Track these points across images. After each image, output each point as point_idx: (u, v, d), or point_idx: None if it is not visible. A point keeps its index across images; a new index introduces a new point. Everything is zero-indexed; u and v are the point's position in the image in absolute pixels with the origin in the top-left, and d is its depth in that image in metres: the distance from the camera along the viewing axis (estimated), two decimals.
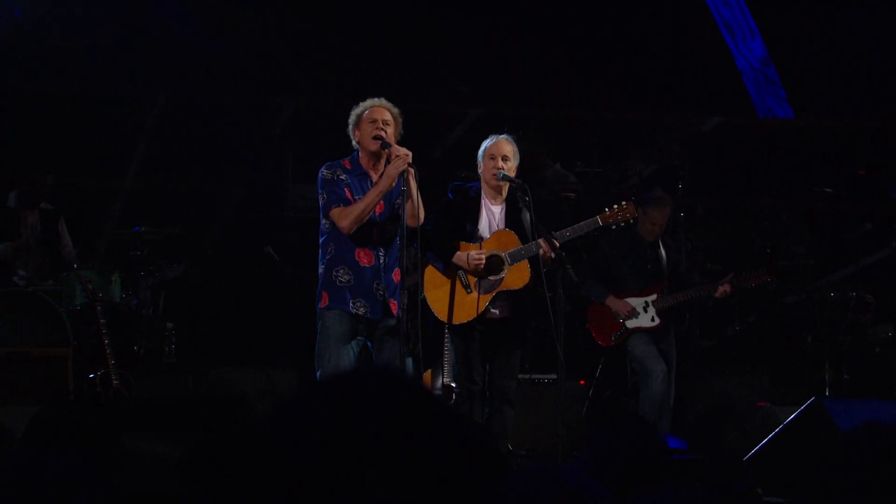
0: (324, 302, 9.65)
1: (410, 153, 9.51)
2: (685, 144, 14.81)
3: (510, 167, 10.17)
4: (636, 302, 12.08)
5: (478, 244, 10.11)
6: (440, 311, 10.13)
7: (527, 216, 10.11)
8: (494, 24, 17.09)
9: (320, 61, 15.53)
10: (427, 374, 11.74)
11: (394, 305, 9.63)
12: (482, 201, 10.23)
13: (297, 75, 15.19)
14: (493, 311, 10.18)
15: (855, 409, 9.60)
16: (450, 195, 10.27)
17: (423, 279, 10.15)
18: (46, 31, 16.26)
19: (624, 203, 10.52)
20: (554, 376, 13.37)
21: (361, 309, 9.59)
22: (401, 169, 9.39)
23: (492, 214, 10.23)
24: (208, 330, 14.10)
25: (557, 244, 10.01)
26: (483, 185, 10.25)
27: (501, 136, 10.35)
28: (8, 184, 13.40)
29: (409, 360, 9.78)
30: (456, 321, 10.13)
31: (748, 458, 9.67)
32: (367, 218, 9.52)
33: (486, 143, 10.30)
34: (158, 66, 15.61)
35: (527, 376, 13.09)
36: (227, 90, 15.25)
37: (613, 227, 10.57)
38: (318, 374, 9.62)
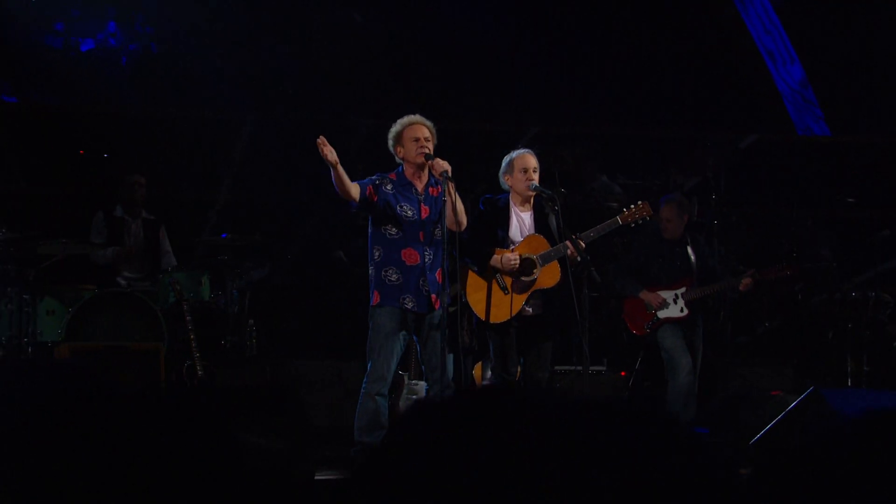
0: (375, 300, 9.70)
1: (450, 166, 9.53)
2: (719, 159, 14.70)
3: (537, 177, 10.15)
4: (666, 294, 12.04)
5: (510, 249, 10.08)
6: (481, 312, 10.09)
7: (553, 220, 10.08)
8: (549, 49, 17.09)
9: (389, 86, 15.55)
10: (478, 367, 11.73)
11: (436, 301, 9.65)
12: (511, 210, 10.19)
13: (371, 99, 15.21)
14: (527, 309, 10.14)
15: (851, 398, 9.50)
16: (481, 207, 10.23)
17: (464, 283, 10.13)
18: (160, 64, 16.55)
19: (640, 203, 10.55)
20: (598, 367, 13.42)
21: (410, 304, 9.63)
22: (329, 159, 9.26)
23: (521, 221, 10.20)
24: (286, 326, 14.15)
25: (583, 245, 10.00)
26: (513, 195, 10.22)
27: (523, 150, 10.32)
28: (114, 196, 13.51)
29: (450, 357, 9.74)
30: (496, 320, 10.08)
31: (754, 441, 9.60)
32: (351, 193, 9.52)
33: (512, 157, 10.25)
34: (249, 92, 15.75)
35: (571, 367, 13.09)
36: (309, 112, 15.29)
37: (632, 224, 10.51)
38: (368, 365, 9.63)
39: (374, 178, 9.73)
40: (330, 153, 9.26)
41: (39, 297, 12.44)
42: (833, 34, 17.89)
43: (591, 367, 13.26)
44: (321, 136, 9.28)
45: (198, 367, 11.94)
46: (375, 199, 9.64)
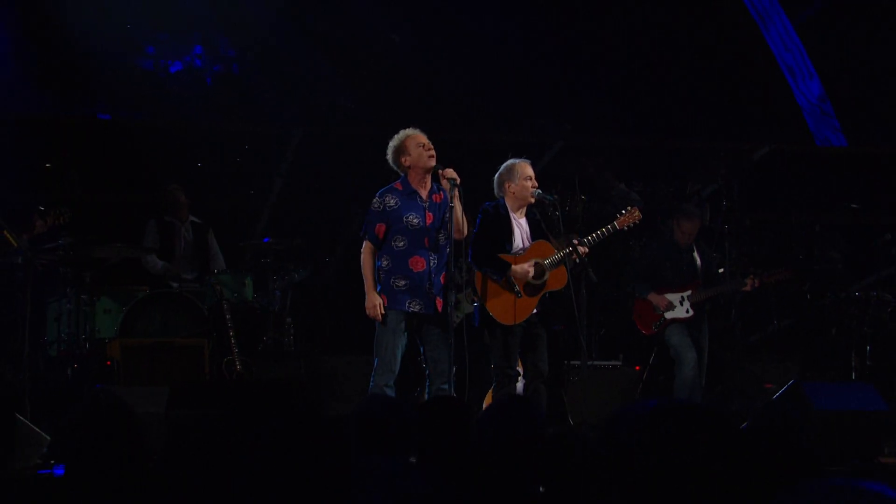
0: (383, 303, 9.52)
1: (458, 176, 9.38)
2: (733, 168, 14.46)
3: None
4: (673, 297, 12.01)
5: (520, 255, 9.93)
6: (499, 315, 9.88)
7: (543, 225, 9.96)
8: (576, 66, 16.95)
9: (424, 101, 15.42)
10: None
11: (439, 302, 9.51)
12: (511, 217, 10.00)
13: (408, 114, 15.09)
14: (533, 309, 9.98)
15: (827, 391, 9.32)
16: (480, 215, 10.04)
17: (477, 289, 9.96)
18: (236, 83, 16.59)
19: (630, 207, 10.53)
20: (615, 362, 13.20)
21: (417, 307, 9.48)
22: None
23: (520, 227, 10.03)
24: (323, 324, 14.05)
25: (586, 249, 9.91)
26: (512, 202, 10.01)
27: (521, 159, 10.12)
28: (162, 205, 13.48)
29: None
30: (512, 321, 9.86)
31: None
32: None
33: (513, 165, 10.06)
34: (297, 107, 15.70)
35: (588, 362, 12.91)
36: (351, 126, 15.20)
37: (625, 228, 10.38)
38: (376, 360, 9.50)
39: (374, 205, 9.61)
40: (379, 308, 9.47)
41: (97, 297, 12.45)
42: (849, 52, 17.67)
43: (609, 363, 13.15)
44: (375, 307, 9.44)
45: (236, 362, 11.86)
46: (384, 227, 9.52)
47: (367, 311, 9.49)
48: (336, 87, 15.88)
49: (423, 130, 9.85)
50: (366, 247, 9.57)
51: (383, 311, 9.40)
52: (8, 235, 10.67)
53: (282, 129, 15.11)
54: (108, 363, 11.78)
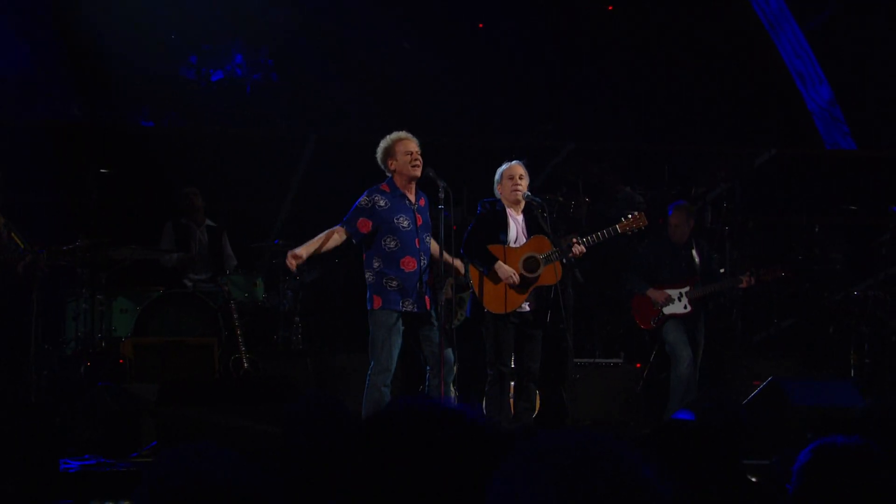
0: (377, 304, 9.53)
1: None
2: (732, 171, 14.33)
3: (525, 185, 9.99)
4: (671, 292, 11.90)
5: (516, 247, 9.92)
6: (489, 304, 9.87)
7: (541, 224, 9.90)
8: (588, 73, 16.89)
9: (438, 106, 15.39)
10: None
11: (427, 301, 9.47)
12: (507, 212, 10.01)
13: (417, 119, 15.07)
14: (525, 305, 9.95)
15: (806, 388, 9.23)
16: (479, 209, 10.06)
17: (472, 279, 9.93)
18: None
19: (636, 213, 10.46)
20: (616, 360, 13.10)
21: (410, 306, 9.47)
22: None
23: (516, 223, 10.03)
24: (332, 323, 13.99)
25: (584, 249, 9.92)
26: (504, 200, 10.03)
27: (514, 161, 10.09)
28: (178, 207, 13.46)
29: (449, 351, 9.49)
30: (501, 310, 9.84)
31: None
32: (339, 243, 9.70)
33: (502, 169, 10.11)
34: (311, 113, 15.70)
35: (590, 360, 12.83)
36: (362, 132, 15.16)
37: (629, 233, 10.28)
38: (372, 360, 9.44)
39: (362, 202, 9.57)
40: (296, 261, 9.45)
41: (113, 297, 12.49)
42: (858, 58, 17.57)
43: (610, 360, 13.05)
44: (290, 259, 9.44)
45: (244, 360, 11.81)
46: (370, 224, 9.44)
47: (287, 261, 9.50)
48: (347, 93, 15.87)
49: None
50: (338, 230, 9.56)
51: (300, 263, 9.52)
52: (15, 237, 10.66)
53: (296, 135, 15.08)
54: (121, 361, 11.75)
